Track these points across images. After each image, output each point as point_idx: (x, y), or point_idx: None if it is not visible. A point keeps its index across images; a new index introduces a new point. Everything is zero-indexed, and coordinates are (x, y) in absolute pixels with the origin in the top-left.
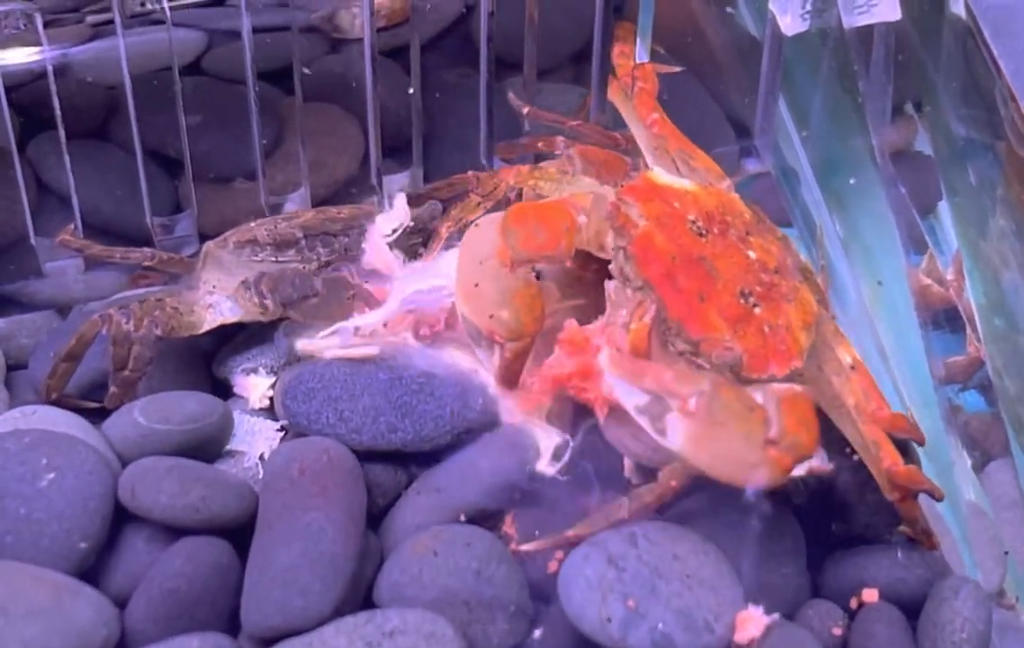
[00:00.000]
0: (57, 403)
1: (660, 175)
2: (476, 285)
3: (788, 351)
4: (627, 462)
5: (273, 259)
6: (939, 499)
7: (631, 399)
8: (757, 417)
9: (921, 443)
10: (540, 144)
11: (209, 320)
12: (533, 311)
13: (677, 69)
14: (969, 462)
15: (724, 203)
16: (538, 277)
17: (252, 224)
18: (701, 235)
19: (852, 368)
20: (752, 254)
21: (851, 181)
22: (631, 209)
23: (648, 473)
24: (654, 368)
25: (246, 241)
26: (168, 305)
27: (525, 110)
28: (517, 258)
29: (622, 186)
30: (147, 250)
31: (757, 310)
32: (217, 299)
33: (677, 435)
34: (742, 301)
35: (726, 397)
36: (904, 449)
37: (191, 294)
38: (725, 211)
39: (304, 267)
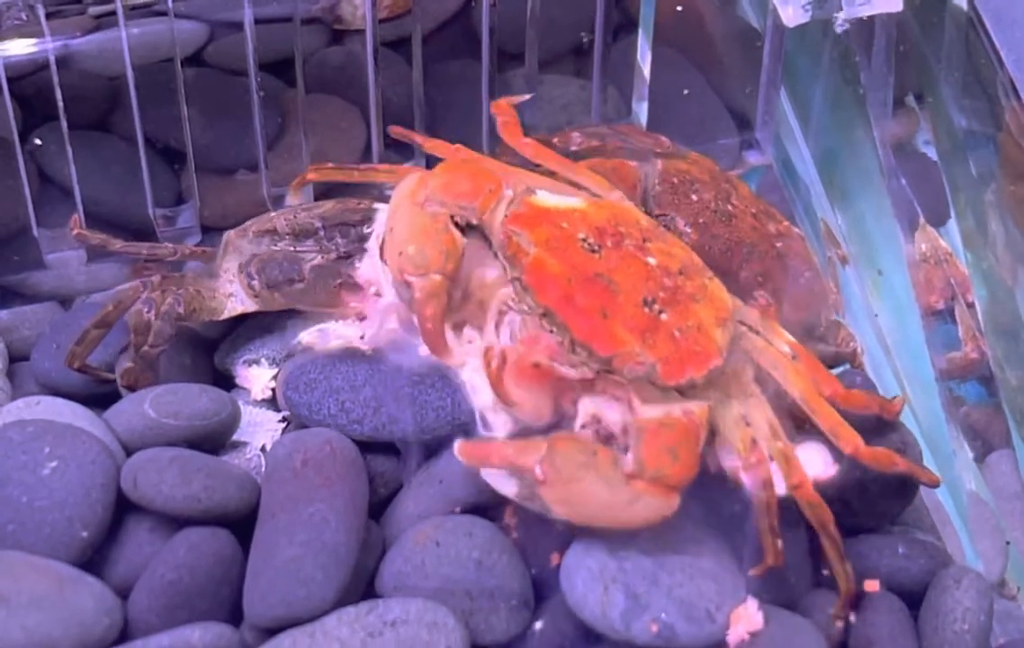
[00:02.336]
0: (81, 371)
1: (544, 198)
2: (391, 229)
3: (704, 351)
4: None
5: (292, 248)
6: (922, 478)
7: (508, 490)
8: (604, 458)
9: (891, 416)
10: (555, 140)
11: (230, 308)
12: (440, 245)
13: (527, 97)
14: (970, 453)
15: (616, 214)
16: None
17: (272, 214)
18: (594, 251)
19: (794, 357)
20: (652, 260)
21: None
22: (520, 237)
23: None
24: (498, 447)
25: (265, 230)
26: (190, 287)
27: (566, 128)
28: (430, 197)
29: (507, 216)
30: (169, 245)
31: (664, 316)
32: (238, 287)
33: (553, 506)
34: (646, 310)
35: (565, 451)
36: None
37: (213, 281)
38: (618, 222)
39: (323, 257)
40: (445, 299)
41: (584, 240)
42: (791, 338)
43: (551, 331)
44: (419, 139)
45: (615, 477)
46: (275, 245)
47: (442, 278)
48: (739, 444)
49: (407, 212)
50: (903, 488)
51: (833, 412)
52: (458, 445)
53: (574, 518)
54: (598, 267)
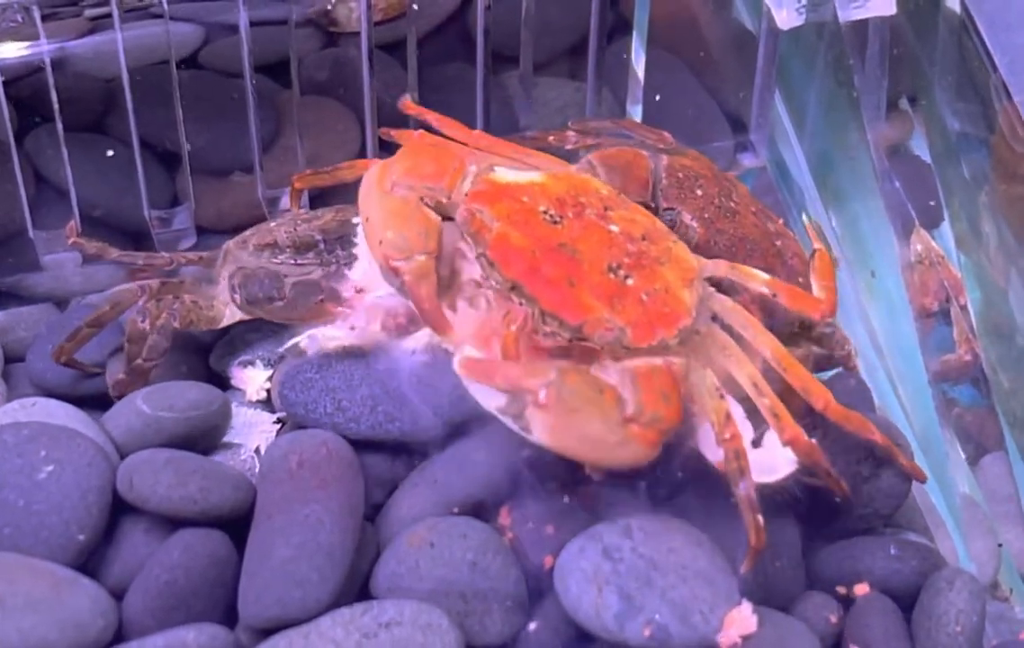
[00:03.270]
0: (67, 365)
1: (502, 174)
2: (367, 220)
3: (673, 313)
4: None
5: (292, 262)
6: (899, 459)
7: (490, 402)
8: (609, 398)
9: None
10: (551, 138)
11: (228, 316)
12: (417, 225)
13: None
14: (963, 455)
15: (576, 185)
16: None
17: (272, 224)
18: (555, 222)
19: (774, 295)
20: (614, 228)
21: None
22: (482, 214)
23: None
24: (503, 366)
25: (266, 244)
26: (187, 298)
27: (570, 123)
28: (398, 182)
29: (467, 194)
30: (166, 255)
31: (630, 281)
32: None
33: (537, 429)
34: (612, 276)
35: (574, 383)
36: (897, 440)
37: (212, 289)
38: (578, 193)
39: (324, 270)
40: (435, 277)
41: (545, 212)
42: (766, 277)
43: (520, 304)
44: (394, 133)
45: (614, 418)
46: (275, 258)
47: (427, 257)
48: (712, 415)
49: (377, 200)
50: (895, 486)
51: (804, 370)
52: (460, 360)
53: (555, 446)
54: (561, 237)
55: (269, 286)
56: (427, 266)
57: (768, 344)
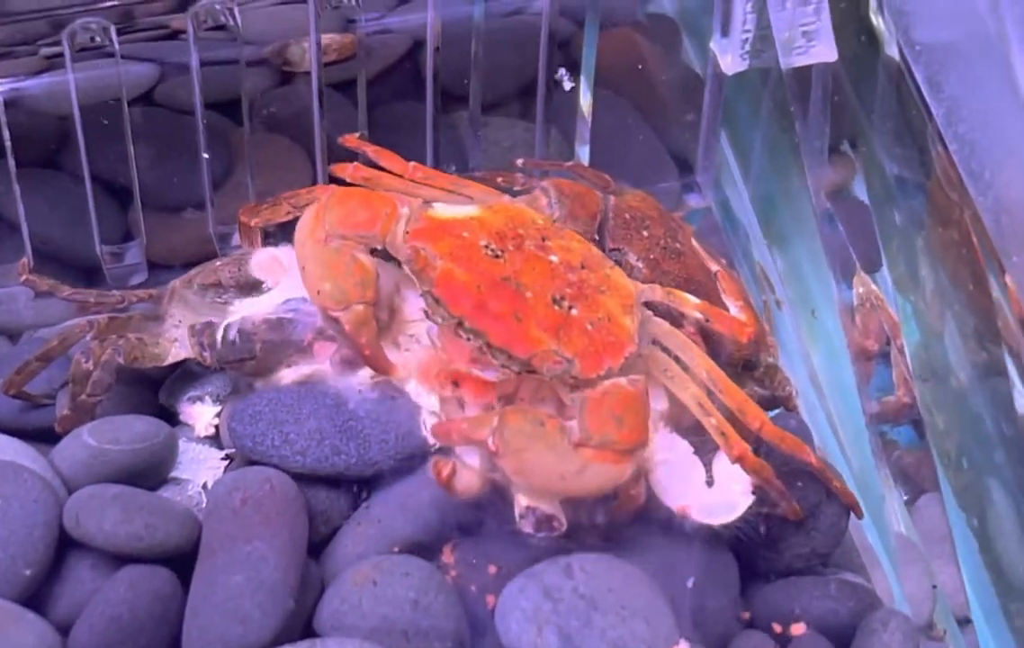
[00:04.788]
0: (17, 396)
1: (441, 210)
2: (303, 268)
3: (617, 340)
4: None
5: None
6: (833, 484)
7: (475, 462)
8: (551, 428)
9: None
10: (500, 179)
11: (173, 354)
12: (353, 276)
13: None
14: (902, 496)
15: (512, 217)
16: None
17: (217, 263)
18: (497, 256)
19: (707, 320)
20: (554, 258)
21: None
22: (426, 251)
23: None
24: (456, 425)
25: (210, 284)
26: (133, 336)
27: (520, 161)
28: (331, 233)
29: (409, 232)
30: (117, 293)
31: (574, 312)
32: (183, 333)
33: (511, 478)
34: (556, 308)
35: (514, 423)
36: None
37: (158, 326)
38: (516, 225)
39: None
40: (374, 324)
41: (487, 247)
42: (698, 301)
43: (467, 339)
44: (335, 168)
45: (563, 446)
46: (220, 298)
47: (365, 306)
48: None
49: (312, 251)
50: (833, 525)
51: (739, 391)
52: (432, 425)
53: (531, 489)
54: (504, 271)
55: (241, 347)
56: (365, 314)
57: (704, 365)
